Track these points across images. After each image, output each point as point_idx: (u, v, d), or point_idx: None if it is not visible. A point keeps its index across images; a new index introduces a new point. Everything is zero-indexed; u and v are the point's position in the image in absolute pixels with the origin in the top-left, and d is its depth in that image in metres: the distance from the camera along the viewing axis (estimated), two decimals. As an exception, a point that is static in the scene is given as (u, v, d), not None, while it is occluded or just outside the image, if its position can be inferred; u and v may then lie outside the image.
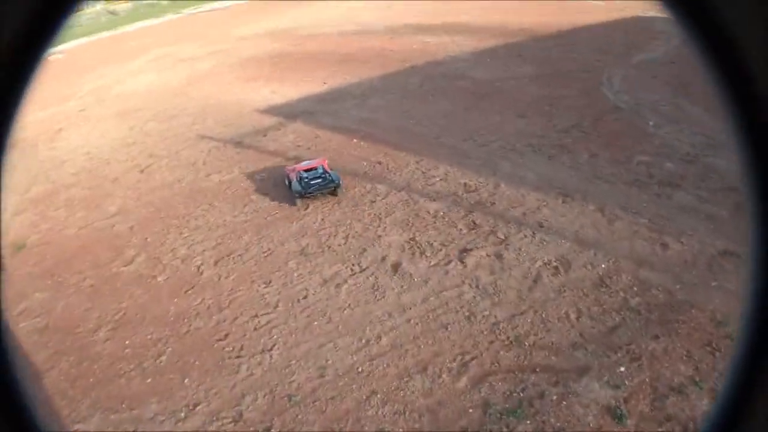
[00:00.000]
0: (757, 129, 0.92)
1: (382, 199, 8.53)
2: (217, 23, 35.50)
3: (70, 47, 46.77)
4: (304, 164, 8.99)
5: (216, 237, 8.18)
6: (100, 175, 11.68)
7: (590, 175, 8.66)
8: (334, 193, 8.73)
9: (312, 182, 8.56)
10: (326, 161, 9.08)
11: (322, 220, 8.14)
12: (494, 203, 8.22)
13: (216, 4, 55.44)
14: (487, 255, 7.13)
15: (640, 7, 18.58)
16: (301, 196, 8.52)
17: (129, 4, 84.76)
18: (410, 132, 10.79)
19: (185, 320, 6.75)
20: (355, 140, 10.63)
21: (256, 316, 6.61)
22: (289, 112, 12.82)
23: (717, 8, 0.91)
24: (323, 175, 8.68)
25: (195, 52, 24.31)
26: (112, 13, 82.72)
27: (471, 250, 7.24)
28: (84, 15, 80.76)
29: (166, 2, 76.57)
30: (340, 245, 7.58)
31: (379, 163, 9.61)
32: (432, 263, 7.08)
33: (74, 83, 23.86)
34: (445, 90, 12.87)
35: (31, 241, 9.50)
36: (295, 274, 7.14)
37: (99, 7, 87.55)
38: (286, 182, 9.01)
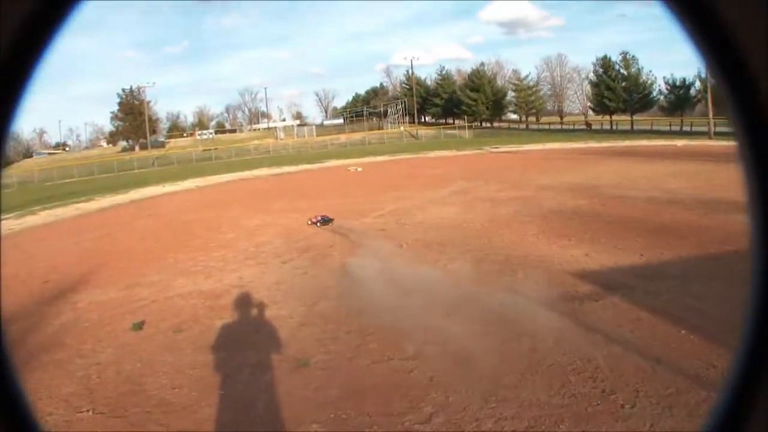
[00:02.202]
0: (758, 129, 0.92)
1: (720, 415, 7.20)
2: (517, 166, 35.75)
3: (368, 161, 49.03)
4: None
5: (528, 417, 7.08)
6: (400, 308, 11.15)
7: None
8: None
9: None
10: None
11: (651, 426, 6.84)
12: None
13: (515, 147, 56.54)
14: None
15: None
16: None
17: (431, 131, 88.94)
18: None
19: None
20: (683, 332, 9.31)
21: None
22: (605, 282, 11.72)
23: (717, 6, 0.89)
24: None
25: (495, 194, 24.28)
26: (414, 136, 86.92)
27: None
28: (386, 134, 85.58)
29: (468, 136, 79.13)
30: (674, 466, 6.29)
31: (714, 366, 8.14)
32: None
33: (374, 200, 24.42)
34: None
35: (316, 361, 9.01)
36: (620, 492, 5.93)
37: (402, 128, 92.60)
38: None
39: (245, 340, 9.94)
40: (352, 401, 7.69)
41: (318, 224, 20.90)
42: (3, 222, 28.80)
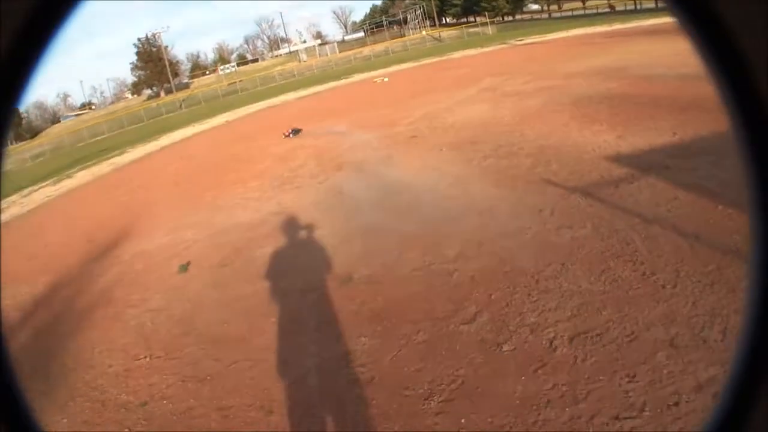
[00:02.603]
0: (759, 129, 0.93)
1: (766, 288, 7.12)
2: (542, 57, 35.22)
3: (394, 71, 48.58)
4: None
5: (570, 307, 7.12)
6: (437, 211, 11.28)
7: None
8: None
9: None
10: None
11: (694, 304, 6.80)
12: None
13: (539, 38, 55.58)
14: None
15: None
16: None
17: (454, 32, 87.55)
18: (786, 200, 9.20)
19: (534, 408, 5.72)
20: (720, 207, 9.20)
21: (618, 418, 5.45)
22: (640, 164, 11.57)
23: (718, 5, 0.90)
24: None
25: (522, 87, 23.97)
26: (437, 39, 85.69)
27: None
28: (409, 40, 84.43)
29: (491, 32, 77.86)
30: (716, 341, 6.14)
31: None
32: None
33: (403, 108, 24.36)
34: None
35: (359, 276, 9.13)
36: (665, 371, 5.86)
37: (424, 33, 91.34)
38: None
39: (288, 265, 10.07)
40: (397, 310, 7.83)
41: (291, 135, 24.88)
42: (41, 190, 29.12)
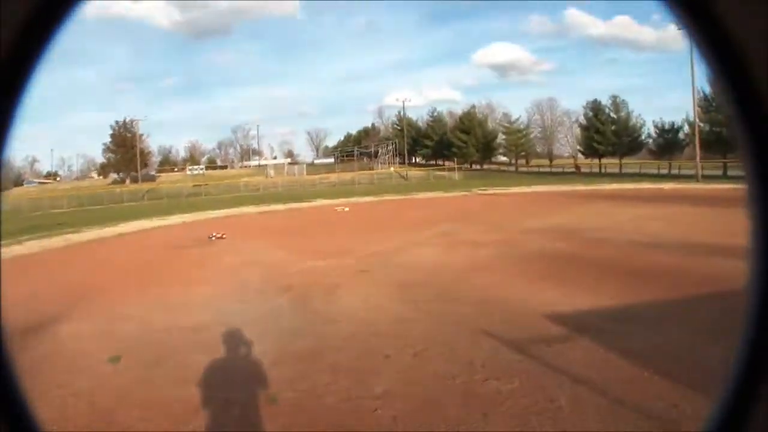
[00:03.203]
0: (759, 127, 0.93)
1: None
2: (502, 209, 36.00)
3: (357, 201, 49.23)
4: None
5: (487, 458, 7.24)
6: (372, 347, 11.34)
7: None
8: None
9: None
10: None
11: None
12: None
13: (503, 189, 56.83)
14: None
15: None
16: None
17: (421, 172, 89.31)
18: (710, 373, 9.28)
19: None
20: (648, 373, 9.44)
21: None
22: (577, 325, 11.87)
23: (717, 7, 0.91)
24: None
25: (478, 237, 24.52)
26: (403, 177, 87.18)
27: None
28: (376, 174, 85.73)
29: (457, 177, 79.47)
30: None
31: (675, 406, 8.21)
32: None
33: (358, 240, 24.67)
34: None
35: (285, 398, 9.12)
36: None
37: (392, 169, 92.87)
38: None
39: (219, 377, 10.03)
40: (314, 437, 7.83)
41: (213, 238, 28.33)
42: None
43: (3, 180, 0.95)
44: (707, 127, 71.18)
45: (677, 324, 11.81)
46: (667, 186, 55.38)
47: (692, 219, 27.70)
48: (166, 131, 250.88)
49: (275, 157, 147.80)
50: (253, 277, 18.93)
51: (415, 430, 7.92)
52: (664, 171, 77.27)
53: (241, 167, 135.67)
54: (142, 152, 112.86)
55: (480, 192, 57.11)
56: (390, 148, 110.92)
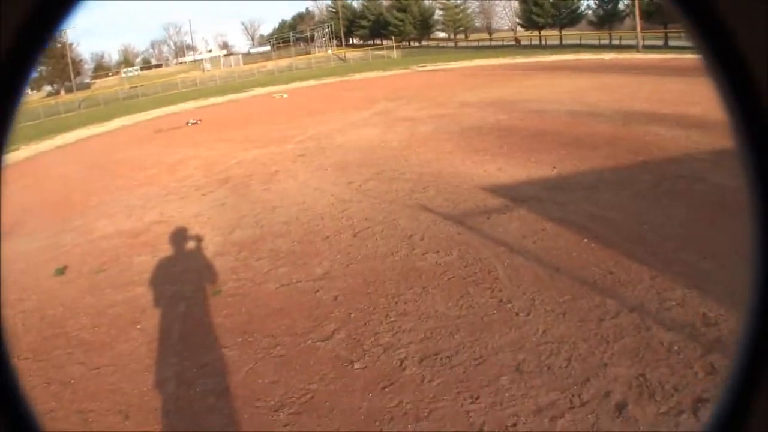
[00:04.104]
0: (759, 128, 0.93)
1: (611, 318, 7.37)
2: (441, 85, 35.80)
3: (295, 87, 48.68)
4: None
5: (425, 329, 7.37)
6: (312, 229, 11.44)
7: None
8: None
9: None
10: None
11: (544, 332, 7.12)
12: (736, 344, 6.96)
13: (442, 65, 56.49)
14: None
15: None
16: None
17: (359, 53, 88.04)
18: (644, 240, 9.63)
19: (377, 423, 5.90)
20: (585, 240, 9.66)
21: (457, 437, 5.73)
22: (515, 195, 12.02)
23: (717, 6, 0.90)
24: None
25: (417, 113, 24.41)
26: (342, 59, 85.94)
27: (707, 401, 5.87)
28: (314, 58, 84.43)
29: (396, 56, 78.61)
30: (560, 368, 6.49)
31: (611, 272, 8.52)
32: (661, 410, 5.80)
33: (297, 125, 24.54)
34: (682, 193, 11.59)
35: (228, 288, 9.24)
36: (507, 394, 6.13)
37: (330, 52, 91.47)
38: None
39: (163, 274, 10.07)
40: (259, 324, 7.93)
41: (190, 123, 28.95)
42: None
43: (3, 180, 0.89)
44: (647, -2, 70.90)
45: (614, 191, 12.01)
46: (608, 56, 55.33)
47: (631, 89, 27.73)
48: (96, 37, 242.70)
49: (210, 51, 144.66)
50: (192, 171, 18.78)
51: (356, 308, 8.09)
52: (605, 42, 76.97)
53: (176, 64, 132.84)
54: (73, 61, 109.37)
55: (419, 69, 56.74)
56: (326, 31, 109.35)
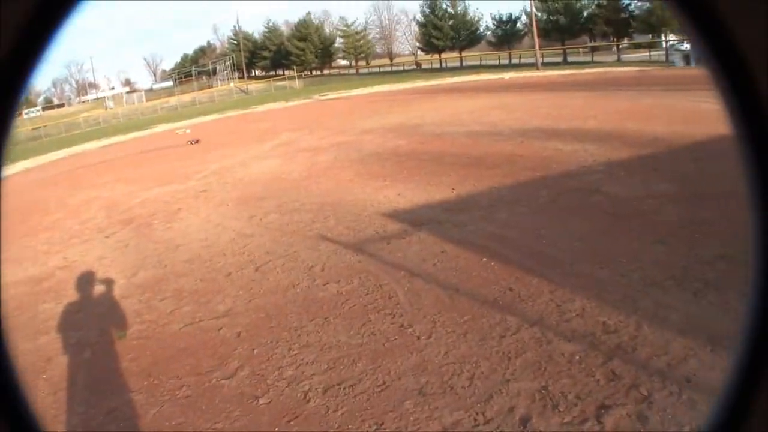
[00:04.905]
0: (759, 128, 0.93)
1: (512, 334, 7.51)
2: (343, 113, 36.00)
3: (199, 122, 48.37)
4: None
5: (328, 360, 7.39)
6: (214, 267, 11.33)
7: (740, 319, 7.45)
8: None
9: None
10: None
11: (446, 353, 7.22)
12: (636, 349, 7.04)
13: (344, 93, 56.80)
14: (628, 415, 5.96)
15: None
16: None
17: (261, 85, 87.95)
18: (543, 255, 9.87)
19: (284, 457, 5.96)
20: (484, 259, 9.81)
21: (361, 465, 5.76)
22: (414, 219, 12.21)
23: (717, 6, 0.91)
24: None
25: (318, 143, 24.64)
26: (244, 91, 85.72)
27: (610, 407, 6.04)
28: (217, 92, 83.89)
29: (298, 86, 78.68)
30: (463, 387, 6.59)
31: (510, 289, 8.70)
32: (565, 420, 5.93)
33: (199, 161, 24.36)
34: (579, 207, 11.95)
35: (132, 331, 9.08)
36: (411, 418, 6.17)
37: (232, 84, 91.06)
38: None
39: (67, 321, 9.86)
40: (164, 366, 7.80)
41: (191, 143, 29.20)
42: None
43: (2, 180, 0.86)
44: (545, 16, 72.59)
45: (511, 208, 12.26)
46: (508, 76, 56.47)
47: (530, 106, 28.40)
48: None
49: (113, 88, 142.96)
50: (95, 212, 18.46)
51: (259, 343, 8.06)
52: (505, 61, 78.75)
53: (79, 103, 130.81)
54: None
55: (321, 98, 56.95)
56: (228, 63, 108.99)
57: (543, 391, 6.39)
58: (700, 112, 19.87)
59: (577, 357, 6.97)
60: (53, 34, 0.91)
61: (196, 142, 28.68)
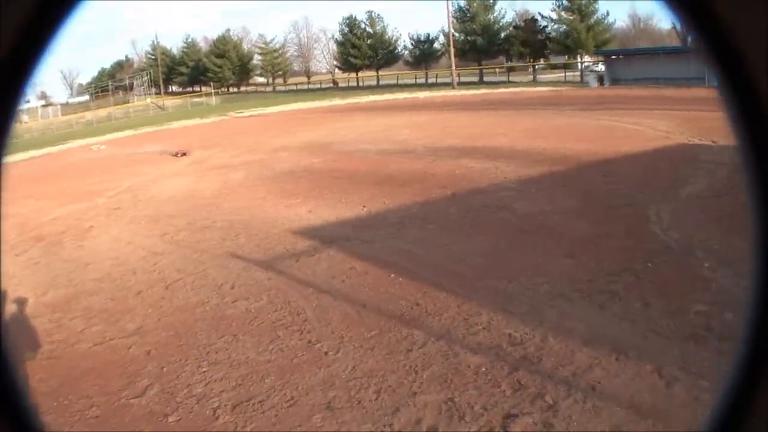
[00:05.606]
0: (759, 128, 0.93)
1: (419, 348, 7.74)
2: (257, 131, 35.93)
3: (113, 138, 47.64)
4: None
5: (236, 376, 7.48)
6: (124, 285, 11.26)
7: (644, 328, 7.70)
8: None
9: None
10: None
11: (353, 368, 7.39)
12: (541, 359, 7.31)
13: (261, 110, 56.56)
14: (534, 423, 6.18)
15: (684, 136, 18.34)
16: None
17: (178, 101, 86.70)
18: (450, 270, 10.13)
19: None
20: (392, 275, 9.99)
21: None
22: (324, 237, 12.39)
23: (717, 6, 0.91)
24: None
25: (231, 160, 24.63)
26: (161, 107, 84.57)
27: (516, 416, 6.27)
28: (133, 107, 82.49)
29: (214, 103, 78.01)
30: (371, 401, 6.76)
31: (417, 304, 8.93)
32: (472, 430, 6.14)
33: (112, 178, 24.02)
34: (487, 223, 12.31)
35: (42, 351, 8.88)
36: (319, 433, 6.35)
37: (149, 100, 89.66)
38: None
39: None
40: (74, 386, 7.77)
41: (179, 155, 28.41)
42: None
43: (3, 180, 0.88)
44: (462, 37, 73.55)
45: (420, 225, 12.53)
46: (423, 95, 56.98)
47: (444, 124, 28.82)
48: None
49: (28, 101, 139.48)
50: (6, 230, 18.12)
51: (168, 361, 8.05)
52: (422, 80, 79.46)
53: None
54: None
55: (236, 115, 56.57)
56: (145, 78, 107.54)
57: (449, 403, 6.59)
58: (609, 130, 20.51)
59: (483, 369, 7.19)
60: (53, 34, 0.93)
61: (183, 154, 28.20)
